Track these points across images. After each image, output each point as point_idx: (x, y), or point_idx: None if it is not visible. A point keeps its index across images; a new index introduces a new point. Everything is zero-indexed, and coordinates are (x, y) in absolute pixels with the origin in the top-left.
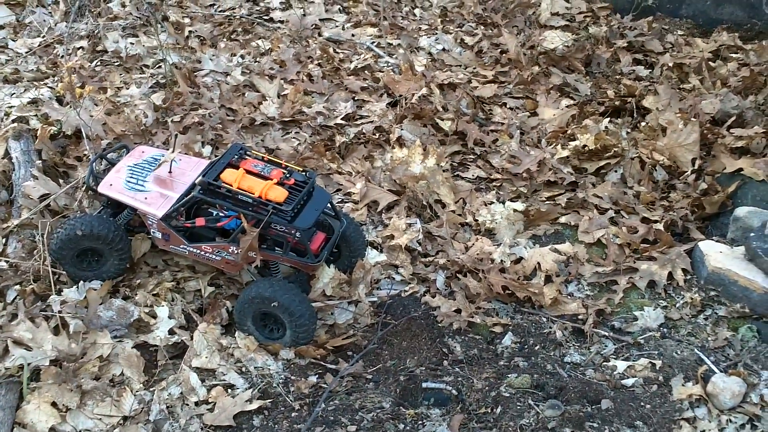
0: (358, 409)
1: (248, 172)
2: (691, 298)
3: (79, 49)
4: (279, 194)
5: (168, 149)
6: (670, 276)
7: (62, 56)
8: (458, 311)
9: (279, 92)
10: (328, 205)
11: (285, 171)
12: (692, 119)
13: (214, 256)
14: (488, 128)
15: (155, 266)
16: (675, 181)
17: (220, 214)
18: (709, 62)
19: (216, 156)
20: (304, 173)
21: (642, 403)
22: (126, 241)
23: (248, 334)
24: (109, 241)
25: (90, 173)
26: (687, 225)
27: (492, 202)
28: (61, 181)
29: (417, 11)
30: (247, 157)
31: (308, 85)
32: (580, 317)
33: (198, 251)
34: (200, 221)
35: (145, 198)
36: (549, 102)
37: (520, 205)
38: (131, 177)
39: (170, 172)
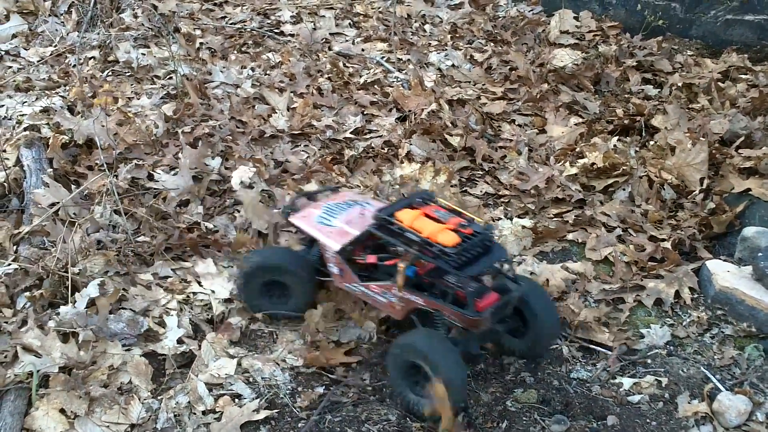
0: (364, 421)
1: (426, 215)
2: (698, 317)
3: (90, 59)
4: (449, 239)
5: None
6: (677, 294)
7: (74, 66)
8: None
9: (289, 105)
10: (504, 264)
11: (465, 220)
12: (701, 139)
13: (380, 298)
14: (497, 144)
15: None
16: (683, 200)
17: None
18: (719, 83)
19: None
20: (484, 226)
21: (648, 420)
22: (312, 277)
23: (393, 384)
24: (294, 275)
25: (291, 204)
26: (694, 244)
27: (500, 218)
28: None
29: (427, 27)
30: (430, 203)
31: (318, 98)
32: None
33: (367, 291)
34: (371, 258)
35: (329, 232)
36: (558, 119)
37: (527, 222)
38: (325, 214)
39: (362, 213)
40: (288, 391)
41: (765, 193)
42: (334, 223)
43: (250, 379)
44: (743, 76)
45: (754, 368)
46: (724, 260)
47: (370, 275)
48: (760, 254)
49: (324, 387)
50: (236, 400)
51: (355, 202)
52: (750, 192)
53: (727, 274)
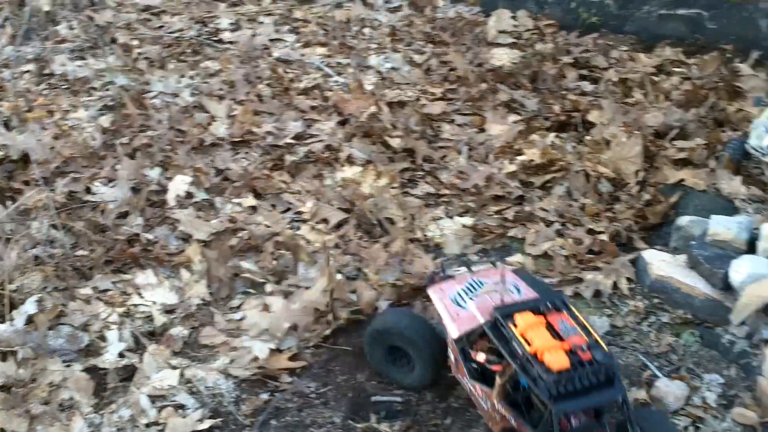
0: (309, 425)
1: (548, 324)
2: (636, 306)
3: (26, 72)
4: (558, 360)
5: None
6: (615, 285)
7: (9, 80)
8: None
9: (228, 113)
10: (619, 401)
11: (588, 342)
12: (635, 132)
13: (482, 403)
14: (437, 145)
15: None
16: (619, 193)
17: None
18: (653, 77)
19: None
20: (608, 354)
21: None
22: (436, 350)
23: None
24: (415, 344)
25: (439, 269)
26: (631, 235)
27: (441, 218)
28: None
29: (366, 30)
30: (561, 311)
31: (258, 105)
32: None
33: (472, 389)
34: (480, 356)
35: (457, 314)
36: (497, 118)
37: (468, 220)
38: (464, 291)
39: (501, 299)
40: (232, 399)
41: (698, 183)
42: (468, 305)
43: (194, 389)
44: (677, 70)
45: (691, 354)
46: (660, 250)
47: (482, 375)
48: (693, 243)
49: (269, 393)
50: (180, 410)
51: (502, 284)
52: (684, 182)
53: (662, 263)
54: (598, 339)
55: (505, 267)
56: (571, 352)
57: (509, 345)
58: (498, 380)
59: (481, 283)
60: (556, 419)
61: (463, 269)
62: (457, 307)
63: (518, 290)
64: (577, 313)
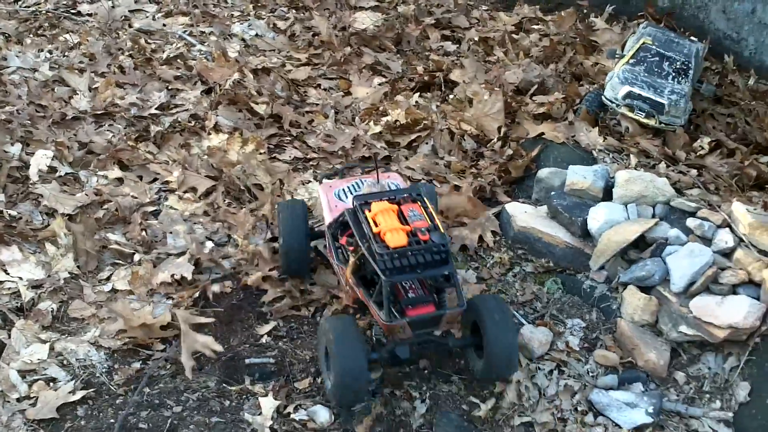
0: (183, 390)
1: (400, 212)
2: (501, 258)
3: None
4: (397, 240)
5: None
6: (481, 239)
7: None
8: (282, 297)
9: (90, 86)
10: (442, 277)
11: (430, 228)
12: (496, 89)
13: (341, 279)
14: (303, 110)
15: None
16: (483, 149)
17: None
18: (512, 35)
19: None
20: (444, 236)
21: (457, 359)
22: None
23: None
24: None
25: (330, 171)
26: (495, 189)
27: (309, 181)
28: None
29: None
30: (415, 201)
31: (120, 76)
32: None
33: (337, 269)
34: (343, 239)
35: (336, 206)
36: (362, 81)
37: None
38: (348, 188)
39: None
40: (104, 370)
41: (557, 136)
42: (348, 199)
43: (65, 362)
44: (535, 27)
45: (553, 301)
46: (522, 202)
47: (345, 256)
48: (553, 193)
49: (141, 362)
50: (51, 383)
51: (381, 183)
52: (544, 136)
53: (524, 215)
54: (439, 225)
55: (393, 172)
56: (411, 234)
57: (360, 228)
58: (351, 258)
59: (362, 182)
60: (384, 289)
61: (358, 171)
62: (338, 201)
63: (394, 186)
64: (428, 205)
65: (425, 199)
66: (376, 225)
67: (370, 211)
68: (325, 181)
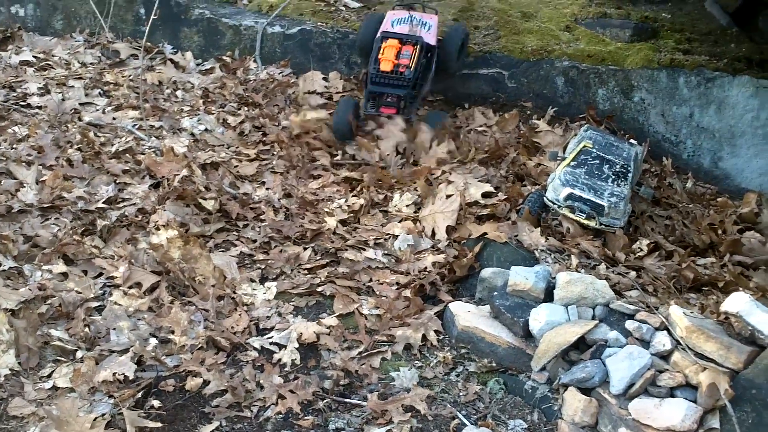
0: None
1: (400, 49)
2: (444, 357)
3: None
4: (385, 67)
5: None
6: (425, 338)
7: None
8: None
9: (37, 178)
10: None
11: (408, 64)
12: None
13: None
14: (250, 205)
15: None
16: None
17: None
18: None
19: None
20: (411, 73)
21: None
22: None
23: None
24: None
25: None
26: (438, 288)
27: (254, 281)
28: None
29: (179, 93)
30: (416, 45)
31: (68, 169)
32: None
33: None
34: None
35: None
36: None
37: (272, 284)
38: (401, 19)
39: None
40: None
41: (500, 236)
42: (396, 27)
43: None
44: (479, 128)
45: (496, 401)
46: (466, 301)
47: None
48: (495, 293)
49: None
50: None
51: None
52: (486, 236)
53: (467, 314)
54: (415, 66)
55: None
56: (396, 65)
57: (375, 51)
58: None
59: (412, 17)
60: (366, 92)
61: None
62: (391, 25)
63: (427, 27)
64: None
65: (422, 44)
66: (382, 53)
67: (386, 42)
68: (396, 7)
